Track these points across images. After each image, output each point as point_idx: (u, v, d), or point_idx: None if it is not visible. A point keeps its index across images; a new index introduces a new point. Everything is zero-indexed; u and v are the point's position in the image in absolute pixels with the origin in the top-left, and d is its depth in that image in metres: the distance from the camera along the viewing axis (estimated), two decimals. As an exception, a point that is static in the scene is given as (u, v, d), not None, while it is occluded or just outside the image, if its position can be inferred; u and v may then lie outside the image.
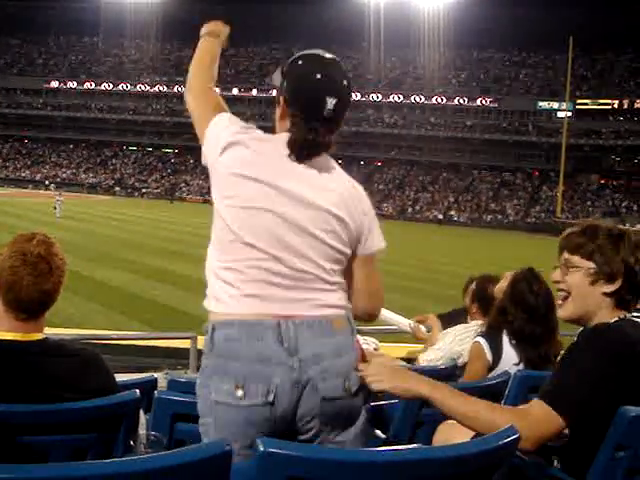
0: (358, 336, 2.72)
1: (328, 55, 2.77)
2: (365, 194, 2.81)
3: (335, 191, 2.67)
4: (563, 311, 2.92)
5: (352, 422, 2.61)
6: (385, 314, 6.45)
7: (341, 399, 2.54)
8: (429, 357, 5.47)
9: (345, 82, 2.72)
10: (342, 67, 2.77)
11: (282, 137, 2.66)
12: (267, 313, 2.51)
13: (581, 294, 2.85)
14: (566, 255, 2.90)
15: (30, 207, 56.02)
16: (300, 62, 2.74)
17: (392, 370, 2.67)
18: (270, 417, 2.45)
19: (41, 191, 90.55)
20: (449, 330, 5.69)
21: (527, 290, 4.66)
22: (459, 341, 5.44)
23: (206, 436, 2.53)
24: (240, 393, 2.43)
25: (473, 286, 5.79)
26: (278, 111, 2.78)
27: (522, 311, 4.61)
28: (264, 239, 2.55)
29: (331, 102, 2.64)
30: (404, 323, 6.45)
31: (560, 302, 2.93)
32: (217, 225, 2.66)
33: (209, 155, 2.69)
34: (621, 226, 2.97)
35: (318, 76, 2.65)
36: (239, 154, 2.62)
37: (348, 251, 2.69)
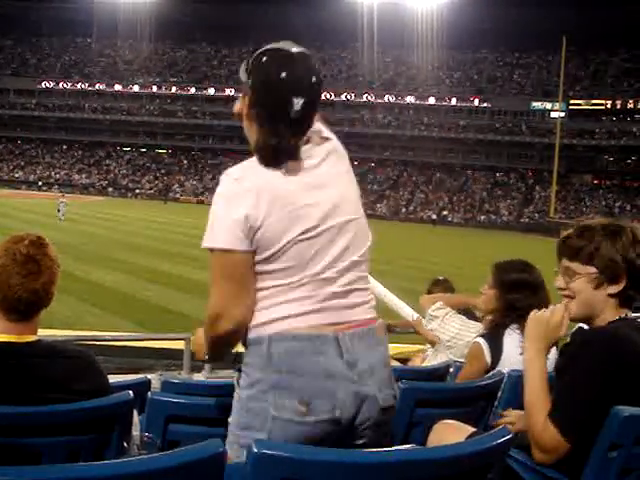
0: None
1: (295, 49, 2.55)
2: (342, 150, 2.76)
3: (344, 171, 2.69)
4: (567, 312, 2.89)
5: (389, 432, 2.65)
6: (392, 300, 6.51)
7: (393, 408, 2.59)
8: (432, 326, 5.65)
9: (314, 79, 2.53)
10: (311, 61, 2.58)
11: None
12: (325, 324, 2.48)
13: (586, 299, 2.83)
14: (566, 263, 2.86)
15: (25, 208, 55.81)
16: (264, 59, 2.53)
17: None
18: (332, 432, 2.43)
19: (34, 192, 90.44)
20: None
21: (515, 269, 4.70)
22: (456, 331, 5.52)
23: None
24: (304, 409, 2.39)
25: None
26: (245, 109, 2.61)
27: (521, 289, 4.61)
28: (307, 260, 2.49)
29: (298, 102, 2.47)
30: (409, 313, 6.49)
31: (565, 303, 2.90)
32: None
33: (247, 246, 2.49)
34: (616, 221, 2.92)
35: (283, 75, 2.46)
36: (255, 210, 2.44)
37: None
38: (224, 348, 2.65)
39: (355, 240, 2.59)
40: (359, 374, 2.46)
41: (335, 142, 2.73)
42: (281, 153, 2.49)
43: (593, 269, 2.79)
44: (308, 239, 2.48)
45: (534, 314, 2.92)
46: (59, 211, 48.22)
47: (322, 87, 2.61)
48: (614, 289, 2.79)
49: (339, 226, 2.54)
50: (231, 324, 2.49)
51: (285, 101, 2.47)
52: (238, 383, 2.56)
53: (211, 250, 2.51)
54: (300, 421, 2.39)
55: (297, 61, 2.52)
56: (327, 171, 2.60)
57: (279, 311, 2.48)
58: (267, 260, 2.48)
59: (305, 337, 2.44)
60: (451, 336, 5.68)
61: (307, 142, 2.60)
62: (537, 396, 2.74)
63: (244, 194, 2.45)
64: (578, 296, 2.84)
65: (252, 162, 2.55)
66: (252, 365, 2.49)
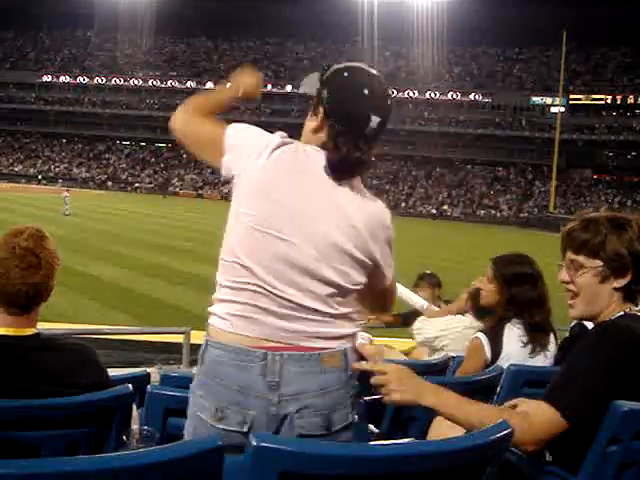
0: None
1: (373, 70, 2.63)
2: (390, 222, 2.67)
3: (360, 225, 2.52)
4: (575, 311, 2.87)
5: None
6: (402, 291, 6.57)
7: (320, 436, 2.47)
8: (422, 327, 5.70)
9: (389, 101, 2.63)
10: (384, 83, 2.65)
11: (320, 152, 2.54)
12: (258, 338, 2.45)
13: (592, 294, 2.80)
14: (571, 256, 2.83)
15: (24, 202, 55.80)
16: (346, 74, 2.57)
17: (399, 379, 2.58)
18: (244, 444, 2.42)
19: (34, 185, 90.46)
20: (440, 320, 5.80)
21: (515, 263, 4.71)
22: (443, 335, 5.53)
23: (188, 436, 2.55)
24: (218, 415, 2.43)
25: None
26: (314, 121, 2.61)
27: (522, 283, 4.62)
28: (263, 266, 2.45)
29: (375, 120, 2.52)
30: (419, 303, 6.55)
31: (570, 302, 2.87)
32: (225, 238, 2.56)
33: (235, 162, 2.54)
34: (620, 214, 2.89)
35: (365, 91, 2.52)
36: (277, 164, 2.49)
37: (360, 287, 2.58)
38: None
39: (335, 275, 2.50)
40: (280, 397, 2.42)
41: (380, 223, 2.63)
42: (361, 166, 2.54)
43: (599, 262, 2.76)
44: (276, 238, 2.46)
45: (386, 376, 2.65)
46: (66, 205, 48.41)
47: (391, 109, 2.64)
48: (620, 283, 2.77)
49: (321, 257, 2.47)
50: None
51: (365, 117, 2.51)
52: None
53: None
54: (213, 425, 2.43)
55: (376, 81, 2.59)
56: (352, 212, 2.53)
57: (225, 307, 2.50)
58: (243, 214, 2.50)
59: (232, 349, 2.45)
60: (440, 329, 5.72)
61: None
62: (473, 417, 2.56)
63: (266, 142, 2.53)
64: (584, 291, 2.81)
65: (307, 147, 2.58)
66: (198, 361, 2.57)
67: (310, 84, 2.64)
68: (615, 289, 2.78)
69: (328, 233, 2.47)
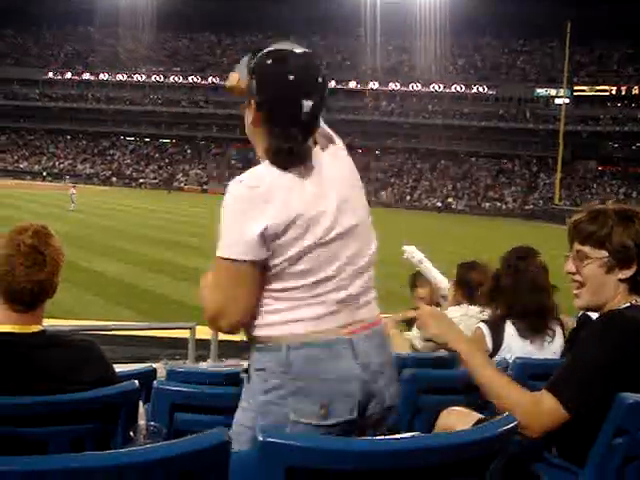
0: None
1: (299, 50, 2.51)
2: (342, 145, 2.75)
3: (346, 165, 2.67)
4: (580, 301, 2.88)
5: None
6: (429, 268, 6.54)
7: (396, 406, 2.63)
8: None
9: (320, 79, 2.49)
10: (315, 61, 2.54)
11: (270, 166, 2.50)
12: (339, 326, 2.49)
13: (597, 284, 2.81)
14: (577, 246, 2.84)
15: (30, 199, 55.87)
16: (269, 61, 2.48)
17: (439, 320, 2.85)
18: (349, 430, 2.48)
19: (39, 182, 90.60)
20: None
21: (515, 255, 4.73)
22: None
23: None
24: (324, 413, 2.42)
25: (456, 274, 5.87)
26: (249, 115, 2.57)
27: (512, 270, 4.64)
28: (317, 267, 2.47)
29: (308, 105, 2.42)
30: (444, 284, 6.50)
31: (576, 292, 2.88)
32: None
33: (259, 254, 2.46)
34: (629, 206, 2.90)
35: (291, 77, 2.42)
36: (273, 213, 2.42)
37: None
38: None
39: (362, 243, 2.60)
40: (372, 374, 2.50)
41: (337, 142, 2.73)
42: (296, 156, 2.47)
43: (605, 253, 2.76)
44: (320, 245, 2.47)
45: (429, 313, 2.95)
46: (73, 202, 48.77)
47: (327, 84, 2.57)
48: (625, 274, 2.77)
49: (346, 231, 2.53)
50: (229, 325, 2.52)
51: (295, 104, 2.43)
52: (248, 381, 2.59)
53: (223, 259, 2.48)
54: (319, 424, 2.43)
55: (303, 61, 2.48)
56: (331, 175, 2.58)
57: (293, 314, 2.48)
58: (281, 264, 2.47)
59: (322, 343, 2.46)
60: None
61: (314, 144, 2.60)
62: (492, 381, 2.71)
63: (262, 204, 2.42)
64: (589, 282, 2.82)
65: (264, 168, 2.51)
66: (270, 370, 2.48)
67: (241, 72, 2.61)
68: (620, 280, 2.78)
69: (339, 197, 2.54)
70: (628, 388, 2.55)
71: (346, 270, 2.52)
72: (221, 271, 2.49)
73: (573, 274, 2.86)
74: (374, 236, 2.70)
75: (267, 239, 2.41)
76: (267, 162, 2.50)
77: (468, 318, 5.38)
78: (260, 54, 2.54)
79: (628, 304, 2.78)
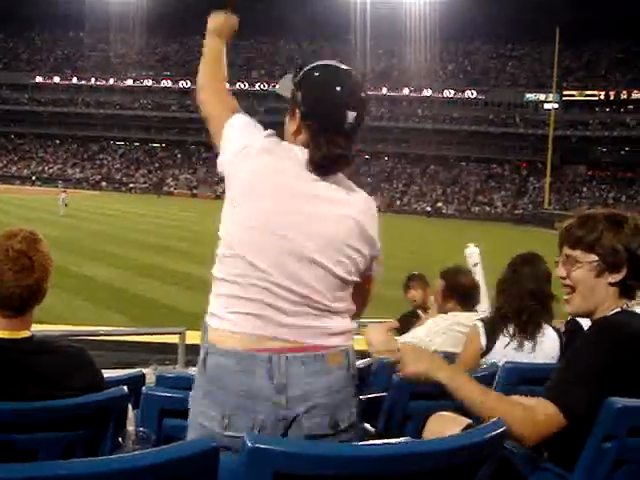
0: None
1: (344, 66, 2.66)
2: (376, 212, 2.71)
3: (353, 216, 2.56)
4: (571, 307, 2.89)
5: None
6: (478, 273, 6.54)
7: (326, 436, 2.49)
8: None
9: (363, 95, 2.64)
10: (359, 78, 2.68)
11: (303, 151, 2.56)
12: (263, 337, 2.45)
13: (587, 288, 2.81)
14: (567, 251, 2.85)
15: (21, 204, 55.74)
16: (317, 73, 2.63)
17: (416, 354, 2.74)
18: None
19: (29, 187, 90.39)
20: (428, 322, 5.76)
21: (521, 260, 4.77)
22: (433, 334, 5.49)
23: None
24: (225, 423, 2.42)
25: (442, 282, 5.86)
26: (292, 124, 2.66)
27: (516, 275, 4.68)
28: (265, 260, 2.46)
29: (351, 116, 2.55)
30: (483, 293, 6.49)
31: (566, 297, 2.90)
32: (222, 232, 2.58)
33: (228, 158, 2.60)
34: (618, 211, 2.91)
35: (338, 88, 2.56)
36: (260, 165, 2.53)
37: (357, 279, 2.62)
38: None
39: (318, 282, 2.51)
40: (288, 399, 2.43)
41: (371, 216, 2.67)
42: (343, 162, 2.57)
43: (594, 257, 2.78)
44: (280, 237, 2.47)
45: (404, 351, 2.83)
46: (66, 206, 48.97)
47: (369, 103, 2.72)
48: (615, 278, 2.79)
49: (302, 252, 2.49)
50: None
51: (341, 114, 2.55)
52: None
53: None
54: (220, 433, 2.41)
55: (348, 76, 2.62)
56: (343, 205, 2.57)
57: (227, 304, 2.49)
58: (237, 208, 2.53)
59: (235, 354, 2.44)
60: (429, 327, 5.69)
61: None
62: (482, 401, 2.65)
63: (262, 146, 2.58)
64: (579, 286, 2.83)
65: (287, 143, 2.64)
66: (197, 369, 2.56)
67: (285, 86, 2.69)
68: (610, 284, 2.80)
69: (324, 228, 2.51)
70: (621, 393, 2.56)
71: (294, 282, 2.48)
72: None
73: (564, 279, 2.88)
74: (346, 296, 2.62)
75: (240, 154, 2.57)
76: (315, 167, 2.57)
77: (458, 326, 5.40)
78: (307, 67, 2.67)
79: (618, 309, 2.79)
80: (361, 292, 2.72)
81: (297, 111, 2.62)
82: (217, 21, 3.14)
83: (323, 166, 2.53)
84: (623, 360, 2.61)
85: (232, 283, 2.50)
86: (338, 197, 2.56)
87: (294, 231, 2.48)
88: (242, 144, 2.59)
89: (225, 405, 2.42)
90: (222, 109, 2.76)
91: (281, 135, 2.69)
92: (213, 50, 3.11)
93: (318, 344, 2.49)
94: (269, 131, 2.64)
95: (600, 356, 2.62)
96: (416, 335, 5.61)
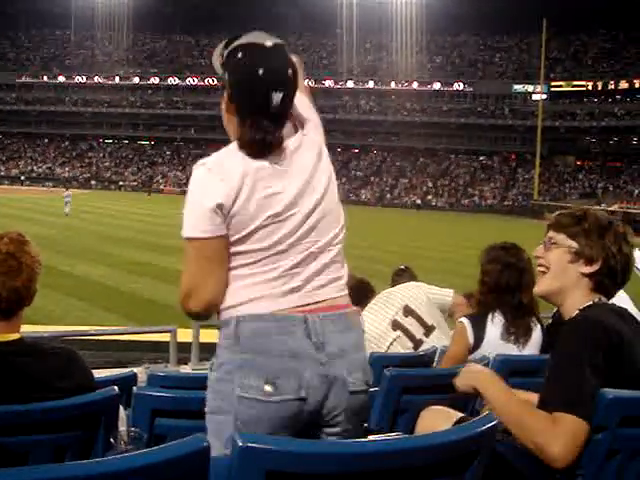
0: None
1: (269, 42, 2.55)
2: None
3: (314, 152, 2.65)
4: (539, 286, 2.96)
5: (366, 416, 2.69)
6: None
7: (363, 392, 2.57)
8: None
9: (290, 71, 2.55)
10: (286, 53, 2.59)
11: (237, 151, 2.56)
12: (294, 306, 2.50)
13: (559, 270, 2.87)
14: (551, 233, 2.93)
15: (6, 203, 55.54)
16: (239, 55, 2.55)
17: (467, 374, 2.89)
18: (299, 412, 2.45)
19: (17, 186, 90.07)
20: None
21: (500, 249, 4.73)
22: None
23: (221, 433, 2.42)
24: (269, 389, 2.40)
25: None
26: (223, 103, 2.66)
27: (498, 264, 4.65)
28: (273, 245, 2.51)
29: (277, 97, 2.49)
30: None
31: (538, 278, 2.97)
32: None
33: (216, 231, 2.52)
34: (611, 218, 2.96)
35: (261, 71, 2.48)
36: (238, 217, 2.49)
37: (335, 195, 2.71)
38: (199, 320, 2.80)
39: (323, 225, 2.60)
40: (328, 356, 2.47)
41: (311, 124, 2.74)
42: (268, 146, 2.52)
43: (574, 244, 2.84)
44: (275, 223, 2.51)
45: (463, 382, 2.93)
46: (67, 204, 48.85)
47: (298, 76, 2.63)
48: (588, 269, 2.83)
49: (306, 212, 2.56)
50: (201, 304, 2.54)
51: (265, 97, 2.49)
52: (211, 367, 2.59)
53: (188, 239, 2.55)
54: (265, 400, 2.40)
55: (273, 55, 2.54)
56: (298, 161, 2.61)
57: (247, 293, 2.51)
58: (236, 242, 2.52)
59: (272, 318, 2.46)
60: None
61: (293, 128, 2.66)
62: (523, 414, 2.64)
63: (217, 183, 2.49)
64: (552, 267, 2.89)
65: (228, 151, 2.58)
66: (221, 347, 2.53)
67: (215, 63, 2.67)
68: (583, 274, 2.84)
69: (303, 179, 2.58)
70: (610, 384, 2.57)
71: (301, 250, 2.54)
72: (188, 252, 2.57)
73: (538, 258, 2.96)
74: (341, 219, 2.71)
75: (225, 215, 2.48)
76: (234, 145, 2.57)
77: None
78: (231, 47, 2.60)
79: (590, 302, 2.83)
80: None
81: (225, 92, 2.63)
82: None
83: (250, 152, 2.52)
84: (604, 352, 2.62)
85: (247, 271, 2.53)
86: (296, 163, 2.60)
87: (286, 206, 2.53)
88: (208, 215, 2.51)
89: (268, 370, 2.42)
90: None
91: None
92: None
93: (342, 301, 2.61)
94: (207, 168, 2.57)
95: (584, 355, 2.64)
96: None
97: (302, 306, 2.50)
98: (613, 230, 2.86)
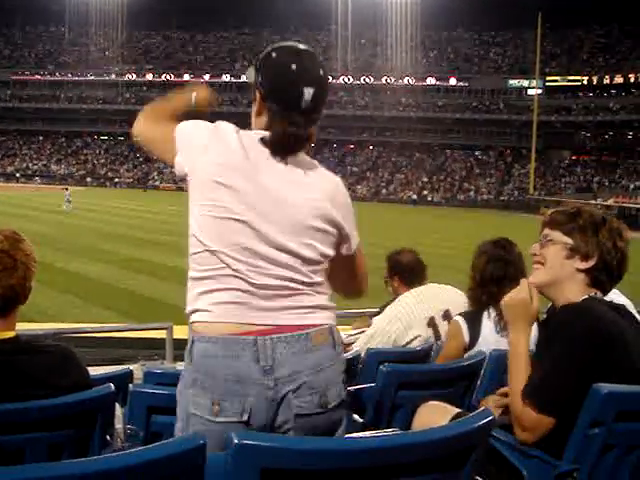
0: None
1: (302, 46, 2.71)
2: (345, 190, 2.74)
3: (319, 198, 2.59)
4: (534, 277, 2.98)
5: (331, 434, 2.59)
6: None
7: (316, 415, 2.51)
8: (360, 343, 5.42)
9: (321, 72, 2.67)
10: (317, 57, 2.72)
11: (260, 134, 2.60)
12: (247, 323, 2.47)
13: (554, 264, 2.90)
14: (546, 230, 2.96)
15: (5, 201, 55.45)
16: (274, 54, 2.67)
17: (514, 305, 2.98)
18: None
19: (12, 184, 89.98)
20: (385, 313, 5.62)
21: (489, 244, 4.72)
22: (390, 321, 5.40)
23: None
24: (216, 409, 2.43)
25: (385, 264, 5.82)
26: (255, 107, 2.71)
27: (484, 257, 4.63)
28: (235, 250, 2.49)
29: (309, 92, 2.58)
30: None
31: (534, 267, 3.00)
32: (191, 231, 2.60)
33: (185, 161, 2.61)
34: (605, 214, 3.01)
35: (293, 67, 2.59)
36: (218, 158, 2.54)
37: (330, 254, 2.64)
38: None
39: (302, 249, 2.56)
40: (276, 380, 2.45)
41: (338, 194, 2.70)
42: (299, 140, 2.58)
43: (570, 240, 2.88)
44: (243, 223, 2.50)
45: (505, 299, 2.99)
46: (69, 202, 49.37)
47: (329, 79, 2.73)
48: (583, 265, 2.86)
49: (287, 232, 2.53)
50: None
51: (297, 91, 2.58)
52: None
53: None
54: (211, 420, 2.43)
55: (304, 55, 2.67)
56: (306, 184, 2.60)
57: (206, 299, 2.51)
58: (203, 205, 2.54)
59: (221, 340, 2.46)
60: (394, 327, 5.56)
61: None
62: (522, 376, 2.78)
63: (216, 137, 2.58)
64: (548, 262, 2.92)
65: (244, 131, 2.64)
66: (185, 359, 2.56)
67: (249, 74, 2.73)
68: (579, 270, 2.87)
69: (288, 210, 2.54)
70: (598, 378, 2.58)
71: (268, 265, 2.52)
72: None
73: (535, 255, 2.99)
74: (325, 252, 2.64)
75: (200, 154, 2.57)
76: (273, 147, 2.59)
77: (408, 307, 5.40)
78: (265, 50, 2.72)
79: (586, 296, 2.85)
80: (347, 269, 2.79)
81: (258, 94, 2.68)
82: (203, 98, 2.99)
83: (281, 145, 2.56)
84: (591, 344, 2.64)
85: (206, 279, 2.52)
86: (301, 180, 2.60)
87: (258, 217, 2.51)
88: (201, 139, 2.59)
89: (214, 391, 2.43)
90: (165, 127, 2.73)
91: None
92: (180, 109, 2.94)
93: (301, 324, 2.52)
94: (225, 123, 2.65)
95: (568, 346, 2.67)
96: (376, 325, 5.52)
97: (256, 325, 2.47)
98: (607, 226, 2.89)
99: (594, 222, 2.89)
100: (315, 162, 2.68)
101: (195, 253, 2.57)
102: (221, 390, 2.43)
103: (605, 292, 2.93)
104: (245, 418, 2.42)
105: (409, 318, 5.31)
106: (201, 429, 2.42)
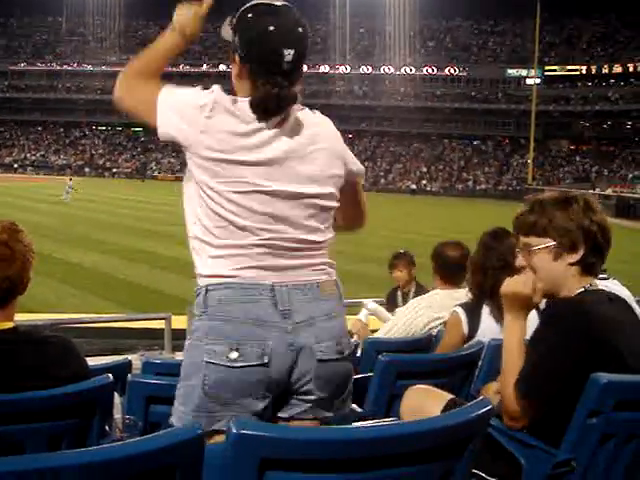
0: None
1: (278, 2, 2.61)
2: (332, 125, 2.79)
3: (326, 147, 2.66)
4: (536, 298, 2.92)
5: (345, 386, 2.65)
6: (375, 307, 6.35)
7: (335, 361, 2.57)
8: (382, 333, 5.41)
9: (300, 30, 2.60)
10: (295, 13, 2.63)
11: (247, 100, 2.56)
12: (263, 276, 2.52)
13: (547, 272, 2.85)
14: (523, 239, 2.91)
15: (4, 192, 55.41)
16: (250, 15, 2.59)
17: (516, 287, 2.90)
18: (264, 379, 2.46)
19: (11, 174, 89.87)
20: (410, 304, 5.61)
21: (486, 234, 4.71)
22: (415, 313, 5.37)
23: (189, 399, 2.51)
24: (234, 355, 2.43)
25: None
26: (234, 70, 2.67)
27: (484, 250, 4.62)
28: (256, 219, 2.52)
29: (289, 53, 2.53)
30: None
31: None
32: (202, 208, 2.58)
33: (176, 131, 2.59)
34: (568, 194, 2.94)
35: (271, 28, 2.53)
36: (218, 134, 2.52)
37: (338, 196, 2.70)
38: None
39: (309, 211, 2.61)
40: (294, 325, 2.49)
41: (333, 134, 2.78)
42: (283, 101, 2.55)
43: (549, 240, 2.82)
44: (260, 192, 2.53)
45: (505, 284, 2.95)
46: (68, 192, 49.22)
47: (308, 37, 2.67)
48: (573, 258, 2.82)
49: (281, 191, 2.56)
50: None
51: (276, 53, 2.53)
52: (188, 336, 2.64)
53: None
54: (230, 366, 2.44)
55: (282, 14, 2.59)
56: (306, 137, 2.64)
57: (219, 265, 2.53)
58: (212, 186, 2.54)
59: (238, 286, 2.49)
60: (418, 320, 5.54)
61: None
62: (513, 362, 2.78)
63: (211, 103, 2.56)
64: (540, 272, 2.86)
65: (237, 99, 2.60)
66: (195, 314, 2.58)
67: (225, 32, 2.68)
68: (570, 264, 2.83)
69: (303, 168, 2.59)
70: (593, 369, 2.58)
71: (280, 228, 2.56)
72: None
73: (524, 268, 2.93)
74: (330, 212, 2.70)
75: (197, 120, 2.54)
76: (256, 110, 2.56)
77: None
78: (242, 9, 2.64)
79: (582, 288, 2.82)
80: (352, 200, 2.86)
81: (236, 56, 2.64)
82: (185, 17, 2.76)
83: (265, 108, 2.54)
84: (580, 338, 2.64)
85: (224, 247, 2.54)
86: (305, 133, 2.63)
87: (270, 181, 2.54)
88: (190, 108, 2.57)
89: (232, 336, 2.45)
90: (150, 89, 2.69)
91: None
92: (169, 50, 2.85)
93: (311, 278, 2.60)
94: (217, 87, 2.62)
95: (555, 340, 2.68)
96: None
97: (270, 277, 2.53)
98: (575, 205, 2.83)
99: (560, 207, 2.82)
100: (303, 109, 2.67)
101: (209, 227, 2.56)
102: (240, 334, 2.45)
103: (597, 274, 2.90)
104: (265, 360, 2.45)
105: (437, 306, 5.30)
106: (219, 377, 2.44)
